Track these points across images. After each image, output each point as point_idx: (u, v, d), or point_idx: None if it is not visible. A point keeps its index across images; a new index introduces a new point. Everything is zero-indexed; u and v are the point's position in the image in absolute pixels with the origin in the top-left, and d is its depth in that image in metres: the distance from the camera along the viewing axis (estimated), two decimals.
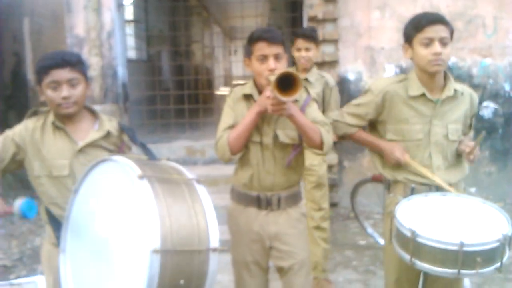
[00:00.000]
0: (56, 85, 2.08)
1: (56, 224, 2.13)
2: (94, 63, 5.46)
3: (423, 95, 2.42)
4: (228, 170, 3.30)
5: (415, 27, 2.38)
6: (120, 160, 1.80)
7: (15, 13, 7.65)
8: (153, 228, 1.56)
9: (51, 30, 9.39)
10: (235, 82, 15.84)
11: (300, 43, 3.65)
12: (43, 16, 9.05)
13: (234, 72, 21.69)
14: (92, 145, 2.18)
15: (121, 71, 5.63)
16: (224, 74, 19.88)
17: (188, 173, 1.87)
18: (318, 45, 3.71)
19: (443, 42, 2.32)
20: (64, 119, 2.18)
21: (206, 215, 1.71)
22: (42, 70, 2.08)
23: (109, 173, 1.86)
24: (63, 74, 2.08)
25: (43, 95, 2.14)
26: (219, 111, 2.50)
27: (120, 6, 5.67)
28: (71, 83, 2.10)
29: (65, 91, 2.09)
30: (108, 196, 1.85)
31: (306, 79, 3.61)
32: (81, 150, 2.16)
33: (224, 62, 20.07)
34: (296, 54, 3.69)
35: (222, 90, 15.98)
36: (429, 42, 2.33)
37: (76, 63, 2.14)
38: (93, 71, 5.45)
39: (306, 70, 3.67)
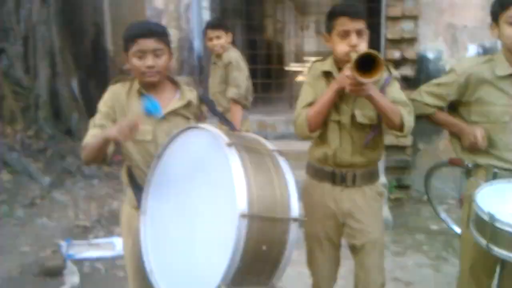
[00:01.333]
0: (142, 54, 2.14)
1: (137, 187, 2.21)
2: (171, 35, 5.56)
3: (511, 75, 2.31)
4: (299, 146, 3.30)
5: (501, 5, 2.27)
6: (208, 128, 1.85)
7: None
8: (241, 194, 1.61)
9: (130, 2, 9.67)
10: (306, 58, 15.72)
11: (210, 33, 4.13)
12: None
13: (306, 48, 21.49)
14: (174, 113, 2.24)
15: (197, 44, 5.73)
16: (295, 49, 19.72)
17: (270, 144, 1.90)
18: (228, 32, 4.12)
19: None
20: (148, 87, 2.24)
21: (288, 186, 1.75)
22: (129, 39, 2.15)
23: (196, 140, 1.92)
24: (149, 43, 2.13)
25: (128, 63, 2.21)
26: (290, 87, 2.49)
27: None
28: (156, 53, 2.15)
29: (150, 60, 2.14)
30: (195, 162, 1.90)
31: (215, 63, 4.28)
32: (163, 117, 2.22)
33: (295, 37, 19.89)
34: (209, 43, 4.18)
35: (292, 66, 15.89)
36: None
37: (162, 34, 2.19)
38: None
39: (220, 56, 4.17)
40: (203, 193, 1.83)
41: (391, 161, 5.29)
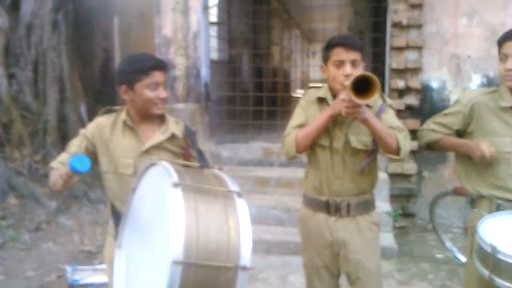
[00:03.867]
0: (156, 86, 2.17)
1: (118, 218, 2.20)
2: (179, 63, 5.67)
3: None
4: (304, 173, 3.32)
5: (498, 41, 2.38)
6: (164, 165, 1.77)
7: (106, 12, 8.08)
8: (177, 238, 1.52)
9: (139, 28, 9.84)
10: (312, 84, 15.86)
11: None
12: (132, 16, 9.50)
13: (312, 75, 21.67)
14: (158, 147, 2.24)
15: (204, 72, 5.81)
16: (302, 76, 19.91)
17: (233, 185, 1.78)
18: None
19: None
20: (136, 119, 2.27)
21: (240, 231, 1.63)
22: (144, 71, 2.16)
23: (155, 178, 1.87)
24: (162, 76, 2.19)
25: (131, 94, 2.20)
26: None
27: (205, 8, 5.85)
28: (164, 86, 2.22)
29: (164, 92, 2.20)
30: (153, 200, 1.85)
31: None
32: (146, 151, 2.22)
33: (302, 64, 20.10)
34: None
35: (298, 93, 16.01)
36: (504, 58, 2.32)
37: (167, 68, 2.27)
38: (178, 71, 5.66)
39: None
40: (153, 234, 1.75)
41: (395, 189, 5.31)
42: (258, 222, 4.83)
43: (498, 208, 2.36)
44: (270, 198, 5.09)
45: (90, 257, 4.53)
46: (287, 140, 2.36)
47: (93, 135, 2.28)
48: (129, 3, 9.41)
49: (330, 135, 2.35)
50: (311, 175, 2.46)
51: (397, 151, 2.24)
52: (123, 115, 2.28)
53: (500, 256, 1.92)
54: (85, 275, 4.09)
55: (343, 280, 2.54)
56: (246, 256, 1.60)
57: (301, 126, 2.37)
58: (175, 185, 1.60)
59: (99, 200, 5.82)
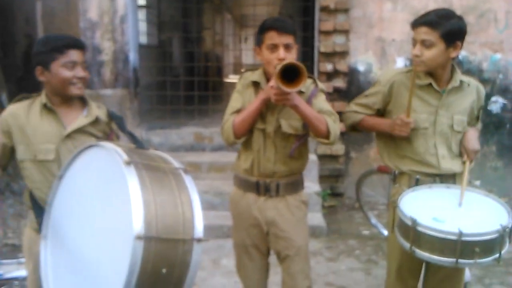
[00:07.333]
0: (73, 65, 2.10)
1: (39, 209, 2.11)
2: (106, 47, 5.50)
3: (430, 85, 2.45)
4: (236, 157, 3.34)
5: (411, 25, 2.44)
6: (107, 146, 1.78)
7: None
8: (138, 214, 1.55)
9: (63, 13, 9.42)
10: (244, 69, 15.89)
11: None
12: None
13: (244, 60, 21.70)
14: (80, 131, 2.17)
15: (133, 56, 5.67)
16: (234, 61, 19.91)
17: (176, 162, 1.84)
18: None
19: (425, 44, 2.35)
20: (56, 102, 2.18)
21: (192, 205, 1.70)
22: (59, 50, 2.09)
23: (96, 159, 1.85)
24: (79, 55, 2.13)
25: (47, 75, 2.13)
26: (228, 99, 2.54)
27: None
28: (83, 66, 2.15)
29: (82, 71, 2.13)
30: (94, 182, 1.83)
31: None
32: (68, 135, 2.14)
33: (234, 49, 20.07)
34: None
35: (231, 78, 16.01)
36: (413, 42, 2.42)
37: (86, 48, 2.20)
38: (105, 56, 5.50)
39: None
40: (102, 214, 1.75)
41: (324, 170, 5.45)
42: None
43: (417, 182, 2.47)
44: (202, 183, 5.07)
45: (14, 250, 4.35)
46: (225, 127, 2.36)
47: (8, 126, 2.16)
48: None
49: (263, 119, 2.37)
50: (243, 156, 2.48)
51: (327, 135, 2.28)
52: (41, 98, 2.18)
53: (420, 229, 2.02)
54: (9, 269, 3.93)
55: (272, 259, 2.60)
56: (199, 229, 1.68)
57: (238, 111, 2.38)
58: (127, 163, 1.63)
59: (22, 192, 5.58)
